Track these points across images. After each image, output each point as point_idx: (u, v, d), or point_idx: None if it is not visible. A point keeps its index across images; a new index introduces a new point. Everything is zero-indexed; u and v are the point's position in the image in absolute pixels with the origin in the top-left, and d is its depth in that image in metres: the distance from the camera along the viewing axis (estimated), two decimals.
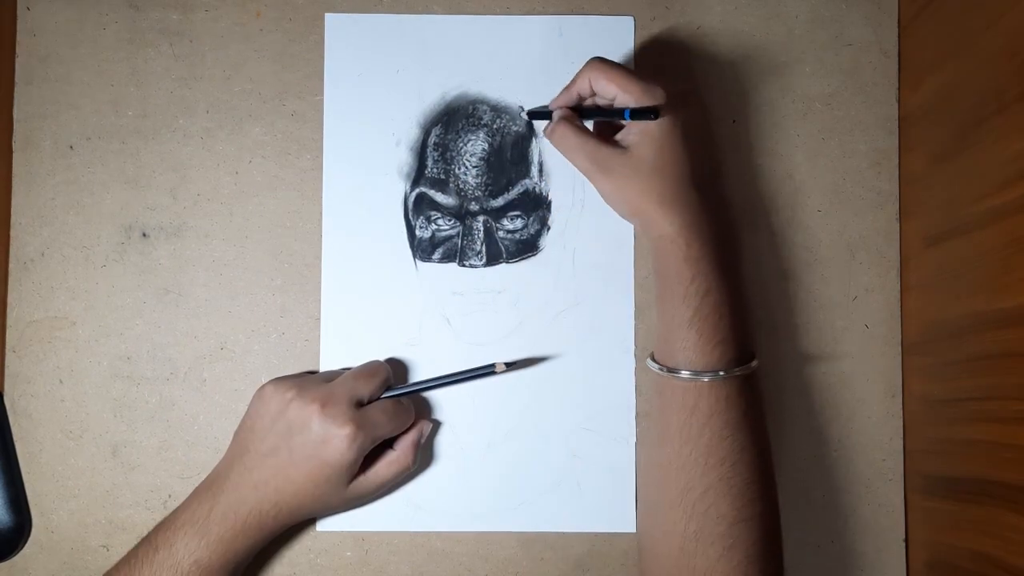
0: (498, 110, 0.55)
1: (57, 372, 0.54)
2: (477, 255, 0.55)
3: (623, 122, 0.49)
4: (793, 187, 0.56)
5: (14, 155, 0.55)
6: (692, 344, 0.47)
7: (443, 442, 0.54)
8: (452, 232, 0.55)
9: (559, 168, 0.55)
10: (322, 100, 0.55)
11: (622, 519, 0.54)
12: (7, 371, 0.54)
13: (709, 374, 0.46)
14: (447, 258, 0.55)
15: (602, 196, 0.51)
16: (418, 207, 0.55)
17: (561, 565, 0.54)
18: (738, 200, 0.55)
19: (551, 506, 0.54)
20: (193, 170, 0.55)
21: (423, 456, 0.54)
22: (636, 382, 0.55)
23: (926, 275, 0.53)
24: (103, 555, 0.53)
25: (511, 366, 0.52)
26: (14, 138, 0.55)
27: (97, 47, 0.55)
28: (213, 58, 0.55)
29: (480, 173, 0.55)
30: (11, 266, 0.54)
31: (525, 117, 0.55)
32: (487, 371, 0.52)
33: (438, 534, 0.54)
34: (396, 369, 0.54)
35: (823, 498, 0.55)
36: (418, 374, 0.54)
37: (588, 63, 0.49)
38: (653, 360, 0.49)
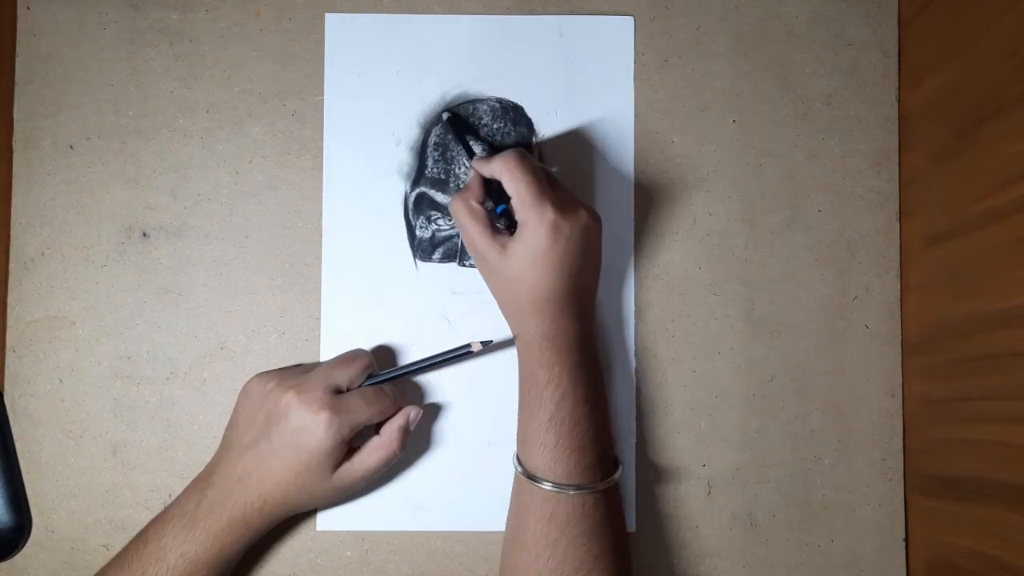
0: (498, 110, 0.55)
1: (57, 372, 0.54)
2: None
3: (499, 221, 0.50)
4: (793, 187, 0.56)
5: (14, 155, 0.55)
6: (550, 447, 0.47)
7: (444, 441, 0.54)
8: (452, 232, 0.55)
9: (558, 169, 0.55)
10: (322, 100, 0.55)
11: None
12: (7, 371, 0.54)
13: (572, 488, 0.46)
14: (447, 258, 0.55)
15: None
16: (418, 207, 0.55)
17: None
18: (738, 200, 0.55)
19: None
20: (193, 170, 0.55)
21: (423, 455, 0.54)
22: (636, 381, 0.55)
23: (926, 275, 0.53)
24: (103, 555, 0.53)
25: (486, 345, 0.52)
26: (14, 138, 0.55)
27: (97, 47, 0.55)
28: (213, 58, 0.55)
29: None
30: (11, 266, 0.54)
31: (445, 117, 0.54)
32: (464, 351, 0.51)
33: (438, 534, 0.54)
34: (384, 356, 0.54)
35: (823, 498, 0.55)
36: (416, 376, 0.54)
37: (506, 155, 0.49)
38: (517, 461, 0.49)
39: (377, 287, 0.55)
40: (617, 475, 0.49)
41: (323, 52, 0.55)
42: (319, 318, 0.54)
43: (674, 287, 0.55)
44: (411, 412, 0.51)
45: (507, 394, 0.53)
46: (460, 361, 0.53)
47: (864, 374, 0.55)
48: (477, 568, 0.54)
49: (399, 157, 0.55)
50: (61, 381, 0.54)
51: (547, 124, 0.55)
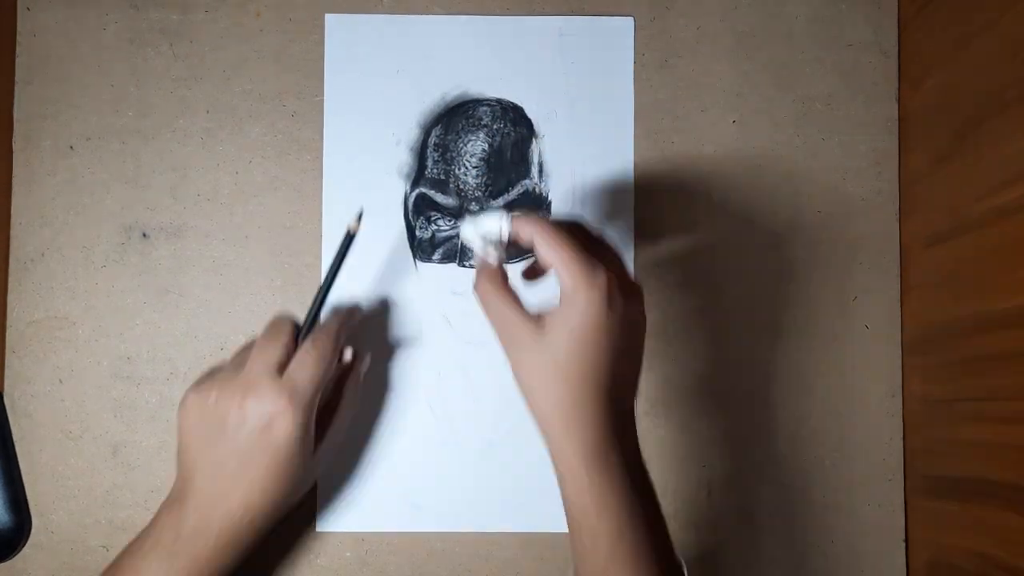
0: (498, 111, 0.55)
1: (57, 372, 0.54)
2: None
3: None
4: (793, 187, 0.56)
5: (14, 155, 0.55)
6: None
7: (443, 441, 0.54)
8: (452, 232, 0.55)
9: (559, 169, 0.55)
10: (322, 100, 0.55)
11: None
12: (7, 371, 0.54)
13: None
14: (447, 258, 0.55)
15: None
16: (418, 208, 0.55)
17: (561, 565, 0.54)
18: (738, 200, 0.55)
19: (551, 506, 0.54)
20: (193, 170, 0.55)
21: (423, 456, 0.54)
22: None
23: (926, 275, 0.53)
24: (103, 555, 0.53)
25: (360, 218, 0.48)
26: (14, 138, 0.55)
27: (97, 47, 0.55)
28: (213, 58, 0.55)
29: (480, 174, 0.55)
30: (11, 266, 0.54)
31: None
32: (348, 239, 0.48)
33: (438, 534, 0.54)
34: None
35: (823, 498, 0.55)
36: (415, 372, 0.54)
37: (535, 222, 0.42)
38: None
39: (377, 288, 0.55)
40: None
41: (323, 52, 0.55)
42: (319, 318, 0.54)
43: (674, 287, 0.55)
44: (363, 364, 0.49)
45: (506, 394, 0.53)
46: (350, 251, 0.48)
47: (864, 374, 0.55)
48: (477, 568, 0.54)
49: (399, 158, 0.55)
50: (61, 381, 0.54)
51: (547, 125, 0.55)
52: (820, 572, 0.54)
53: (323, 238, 0.55)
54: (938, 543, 0.52)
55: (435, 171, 0.55)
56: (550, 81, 0.55)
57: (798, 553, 0.54)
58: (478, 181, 0.55)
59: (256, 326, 0.54)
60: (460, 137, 0.55)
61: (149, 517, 0.50)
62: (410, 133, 0.55)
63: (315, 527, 0.54)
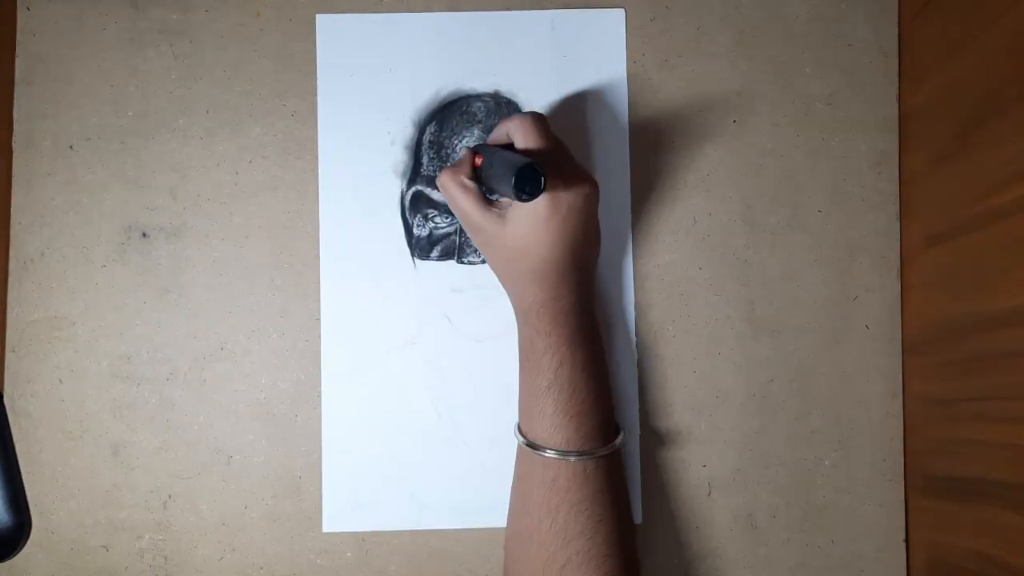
0: (492, 106, 0.55)
1: (57, 372, 0.54)
2: (475, 252, 0.55)
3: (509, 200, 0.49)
4: (793, 187, 0.56)
5: (14, 155, 0.55)
6: (548, 414, 0.47)
7: (445, 438, 0.54)
8: (450, 229, 0.55)
9: None
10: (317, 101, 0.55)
11: None
12: (7, 371, 0.54)
13: (572, 454, 0.46)
14: (445, 256, 0.55)
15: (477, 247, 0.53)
16: (415, 205, 0.55)
17: None
18: (738, 200, 0.55)
19: None
20: (193, 170, 0.55)
21: (426, 452, 0.54)
22: (638, 377, 0.55)
23: (926, 275, 0.53)
24: (103, 555, 0.53)
25: None
26: (14, 138, 0.55)
27: (97, 47, 0.55)
28: (213, 58, 0.55)
29: None
30: (11, 266, 0.54)
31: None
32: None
33: (438, 534, 0.54)
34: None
35: (823, 498, 0.54)
36: (417, 370, 0.54)
37: (523, 116, 0.49)
38: (519, 431, 0.49)
39: (376, 286, 0.55)
40: (618, 441, 0.48)
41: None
42: (319, 318, 0.54)
43: (674, 287, 0.55)
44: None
45: (510, 391, 0.53)
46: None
47: (864, 374, 0.55)
48: (478, 568, 0.54)
49: (394, 156, 0.55)
50: (61, 381, 0.54)
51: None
52: (820, 572, 0.54)
53: (321, 238, 0.55)
54: (938, 543, 0.52)
55: (430, 168, 0.55)
56: (544, 75, 0.55)
57: (798, 553, 0.54)
58: None
59: (256, 326, 0.54)
60: (455, 133, 0.55)
61: (149, 517, 0.50)
62: (405, 131, 0.55)
63: (318, 527, 0.54)
